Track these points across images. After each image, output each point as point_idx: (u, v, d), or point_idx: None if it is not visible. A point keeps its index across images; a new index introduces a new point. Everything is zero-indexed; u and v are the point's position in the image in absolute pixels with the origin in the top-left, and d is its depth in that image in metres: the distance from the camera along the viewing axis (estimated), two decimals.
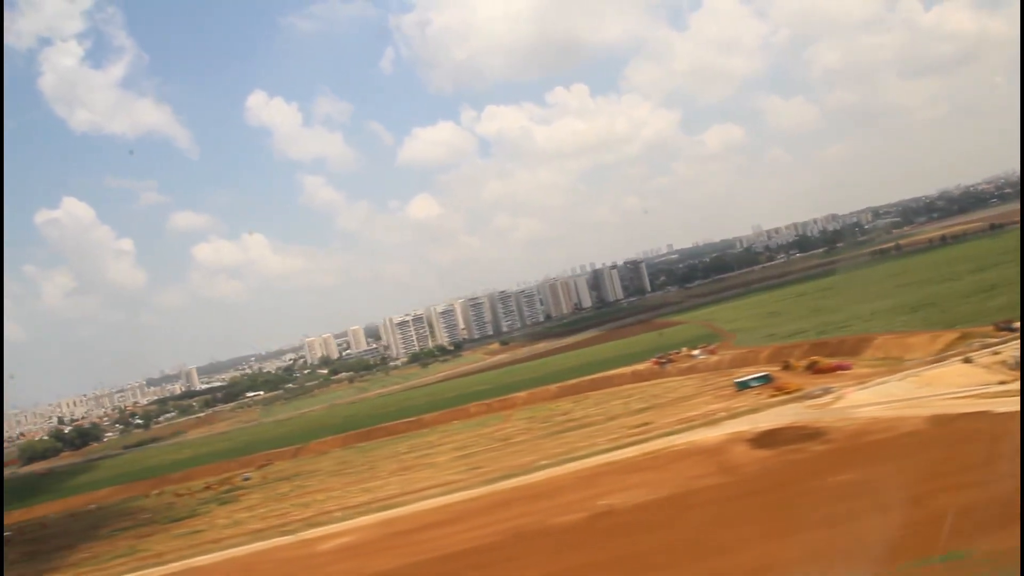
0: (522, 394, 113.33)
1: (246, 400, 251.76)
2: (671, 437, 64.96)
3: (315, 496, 78.90)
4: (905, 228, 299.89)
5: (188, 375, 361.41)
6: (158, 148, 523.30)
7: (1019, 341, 61.74)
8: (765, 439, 57.32)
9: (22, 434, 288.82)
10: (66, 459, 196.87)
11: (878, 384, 65.55)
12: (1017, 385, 52.02)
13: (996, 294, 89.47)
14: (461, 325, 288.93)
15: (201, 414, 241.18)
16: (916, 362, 70.36)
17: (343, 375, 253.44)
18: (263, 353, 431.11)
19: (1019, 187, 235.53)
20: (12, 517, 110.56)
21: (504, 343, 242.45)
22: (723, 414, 68.48)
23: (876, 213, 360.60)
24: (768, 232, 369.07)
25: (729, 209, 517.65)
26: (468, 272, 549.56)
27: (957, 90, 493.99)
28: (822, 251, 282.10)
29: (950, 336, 74.85)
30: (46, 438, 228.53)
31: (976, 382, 58.32)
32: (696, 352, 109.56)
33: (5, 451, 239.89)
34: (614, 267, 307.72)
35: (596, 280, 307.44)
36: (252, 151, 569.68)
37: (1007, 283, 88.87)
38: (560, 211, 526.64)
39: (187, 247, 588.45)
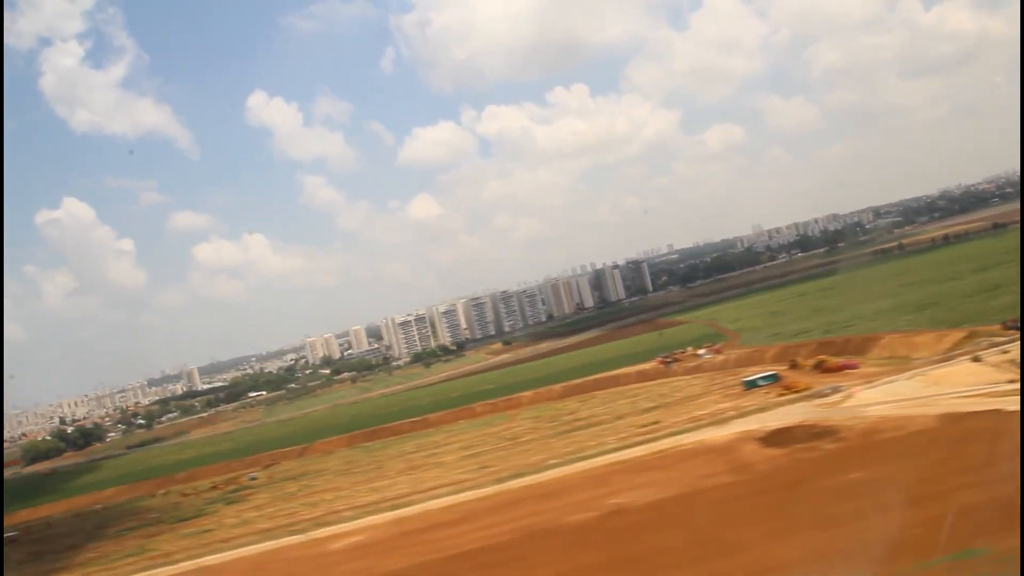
0: (527, 394, 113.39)
1: (248, 400, 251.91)
2: (680, 436, 65.10)
3: (323, 495, 78.94)
4: (907, 228, 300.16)
5: (189, 375, 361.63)
6: (158, 148, 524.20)
7: (1020, 341, 61.96)
8: (776, 438, 57.44)
9: (24, 434, 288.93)
10: (69, 459, 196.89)
11: (887, 383, 65.69)
12: None
13: (1000, 293, 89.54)
14: (463, 325, 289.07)
15: (203, 414, 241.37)
16: (923, 361, 70.51)
17: (345, 375, 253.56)
18: (264, 353, 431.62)
19: (1019, 187, 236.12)
20: (18, 517, 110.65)
21: (507, 343, 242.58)
22: (732, 413, 68.61)
23: (877, 213, 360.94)
24: (769, 232, 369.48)
25: (729, 209, 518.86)
26: (468, 272, 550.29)
27: (957, 90, 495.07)
28: (823, 251, 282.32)
29: (957, 335, 74.91)
30: (49, 438, 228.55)
31: (985, 381, 58.42)
32: (702, 351, 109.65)
33: (7, 451, 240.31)
34: (616, 267, 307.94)
35: (598, 280, 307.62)
36: (252, 151, 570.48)
37: (1011, 282, 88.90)
38: (560, 211, 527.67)
39: (187, 247, 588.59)
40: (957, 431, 49.79)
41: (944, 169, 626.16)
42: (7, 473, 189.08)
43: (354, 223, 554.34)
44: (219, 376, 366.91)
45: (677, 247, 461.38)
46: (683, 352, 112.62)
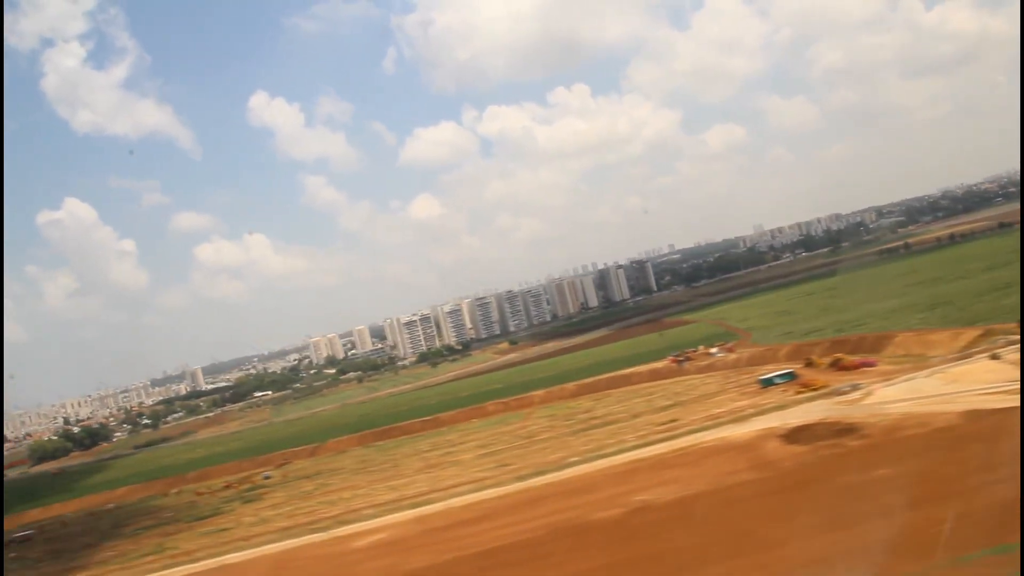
0: (539, 393, 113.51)
1: (254, 400, 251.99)
2: (700, 434, 65.28)
3: (341, 494, 79.05)
4: (910, 227, 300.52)
5: (193, 375, 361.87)
6: (160, 149, 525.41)
7: (1020, 341, 62.25)
8: (798, 435, 57.62)
9: (28, 434, 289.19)
10: (76, 459, 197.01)
11: (906, 380, 65.92)
12: None
13: (1011, 292, 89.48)
14: (468, 325, 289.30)
15: (210, 414, 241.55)
16: (941, 359, 70.77)
17: (351, 375, 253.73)
18: (265, 353, 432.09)
19: (1020, 186, 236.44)
20: (30, 516, 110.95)
21: (513, 343, 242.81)
22: (751, 411, 68.80)
23: (880, 212, 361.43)
24: (771, 232, 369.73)
25: (730, 209, 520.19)
26: (470, 272, 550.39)
27: (958, 90, 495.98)
28: (827, 250, 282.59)
29: (972, 333, 75.14)
30: (55, 438, 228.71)
31: (1005, 378, 58.50)
32: (714, 350, 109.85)
33: (12, 451, 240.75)
34: (620, 267, 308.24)
35: (602, 280, 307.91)
36: (254, 151, 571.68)
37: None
38: (561, 211, 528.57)
39: (189, 247, 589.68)
40: (981, 428, 49.95)
41: (945, 169, 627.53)
42: (15, 473, 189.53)
43: (355, 223, 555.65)
44: (221, 376, 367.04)
45: (678, 247, 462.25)
46: (695, 351, 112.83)
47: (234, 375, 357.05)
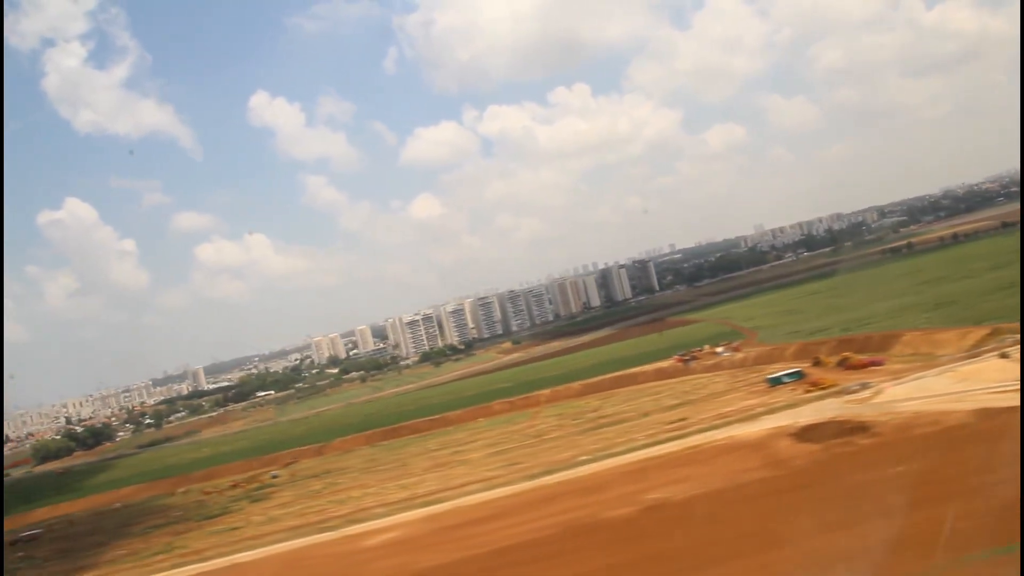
0: (545, 392, 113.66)
1: (257, 400, 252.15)
2: (711, 432, 65.33)
3: (350, 493, 79.16)
4: (912, 227, 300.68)
5: (195, 375, 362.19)
6: (161, 149, 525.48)
7: (1020, 341, 62.40)
8: (809, 433, 57.68)
9: (30, 434, 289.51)
10: (80, 458, 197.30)
11: (915, 379, 66.03)
12: None
13: (1017, 291, 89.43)
14: (471, 324, 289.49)
15: (212, 413, 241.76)
16: (949, 358, 70.87)
17: (354, 374, 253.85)
18: (266, 353, 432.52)
19: (1020, 186, 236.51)
20: (37, 515, 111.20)
21: (516, 342, 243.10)
22: (760, 409, 68.89)
23: (881, 212, 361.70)
24: (773, 231, 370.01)
25: (730, 209, 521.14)
26: (470, 272, 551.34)
27: (959, 89, 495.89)
28: (830, 250, 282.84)
29: (980, 332, 75.26)
30: (58, 437, 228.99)
31: (1015, 377, 58.44)
32: (720, 349, 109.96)
33: (14, 450, 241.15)
34: (622, 266, 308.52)
35: (604, 279, 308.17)
36: (255, 151, 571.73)
37: None
38: (562, 211, 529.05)
39: (190, 247, 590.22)
40: (994, 426, 50.03)
41: (946, 168, 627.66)
42: (19, 472, 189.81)
43: (356, 223, 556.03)
44: (222, 376, 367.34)
45: (679, 247, 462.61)
46: (700, 350, 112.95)
47: (235, 375, 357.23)
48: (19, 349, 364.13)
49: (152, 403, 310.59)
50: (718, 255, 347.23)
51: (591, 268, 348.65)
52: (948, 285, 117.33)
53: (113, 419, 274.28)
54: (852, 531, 38.49)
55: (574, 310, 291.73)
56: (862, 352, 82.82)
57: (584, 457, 67.40)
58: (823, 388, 70.60)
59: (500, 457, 77.40)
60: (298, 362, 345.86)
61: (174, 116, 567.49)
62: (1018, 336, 69.27)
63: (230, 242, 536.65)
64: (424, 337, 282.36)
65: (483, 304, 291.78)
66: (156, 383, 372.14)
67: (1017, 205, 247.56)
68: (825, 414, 61.78)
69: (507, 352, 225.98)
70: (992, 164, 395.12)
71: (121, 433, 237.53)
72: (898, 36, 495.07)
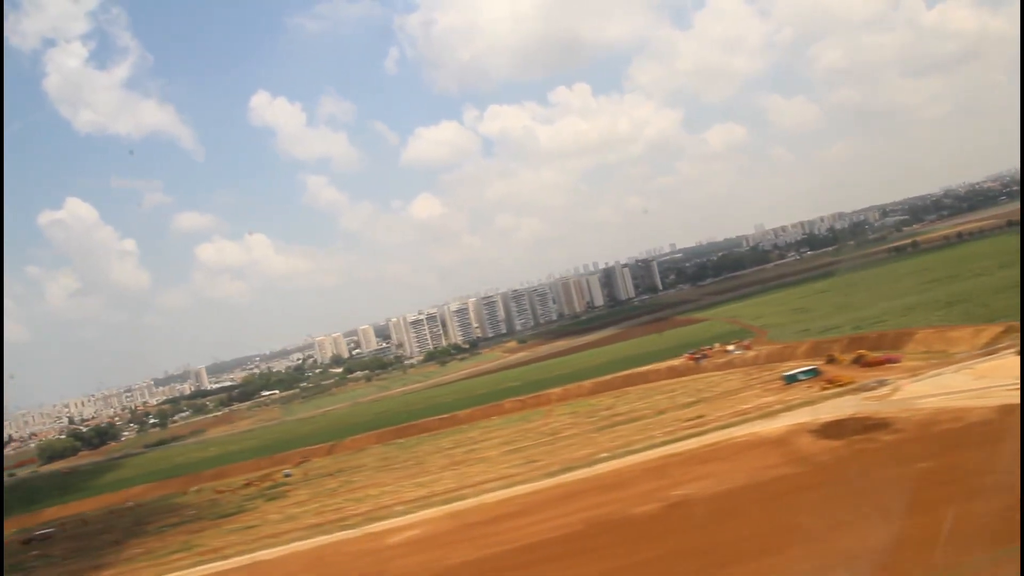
0: (556, 390, 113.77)
1: (261, 399, 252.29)
2: (730, 429, 65.53)
3: (367, 491, 79.19)
4: (915, 226, 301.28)
5: (197, 375, 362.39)
6: (162, 149, 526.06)
7: (1020, 341, 62.63)
8: (830, 430, 57.94)
9: (33, 434, 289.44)
10: (85, 458, 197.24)
11: (933, 376, 66.24)
12: None
13: None
14: (475, 324, 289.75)
15: (217, 413, 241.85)
16: (966, 355, 71.08)
17: (359, 374, 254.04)
18: (267, 353, 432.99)
19: (1020, 186, 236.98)
20: (48, 514, 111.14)
21: (521, 341, 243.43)
22: (778, 406, 69.09)
23: (883, 211, 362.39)
24: (775, 231, 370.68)
25: (730, 208, 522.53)
26: (471, 272, 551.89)
27: (959, 89, 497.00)
28: (833, 249, 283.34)
29: (995, 329, 75.39)
30: (63, 437, 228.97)
31: None
32: (731, 347, 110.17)
33: (18, 450, 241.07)
34: (626, 265, 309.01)
35: (608, 278, 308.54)
36: (256, 151, 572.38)
37: None
38: (562, 211, 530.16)
39: (190, 247, 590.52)
40: (1016, 422, 50.28)
41: (946, 168, 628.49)
42: (25, 472, 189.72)
43: (357, 223, 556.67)
44: (224, 376, 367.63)
45: (679, 246, 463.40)
46: (711, 348, 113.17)
47: (236, 375, 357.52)
48: (20, 349, 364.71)
49: (155, 403, 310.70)
50: (720, 254, 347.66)
51: (592, 268, 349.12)
52: (959, 283, 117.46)
53: (116, 419, 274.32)
54: (882, 527, 38.69)
55: (578, 309, 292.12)
56: (875, 350, 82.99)
57: (603, 454, 67.53)
58: (840, 385, 70.78)
59: (517, 455, 77.50)
60: (301, 362, 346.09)
61: (175, 116, 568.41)
62: None
63: (231, 242, 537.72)
64: (428, 336, 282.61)
65: (487, 303, 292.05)
66: (157, 383, 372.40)
67: (1018, 204, 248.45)
68: (845, 411, 61.97)
69: (512, 351, 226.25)
70: (992, 163, 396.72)
71: (126, 433, 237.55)
72: (898, 36, 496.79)
